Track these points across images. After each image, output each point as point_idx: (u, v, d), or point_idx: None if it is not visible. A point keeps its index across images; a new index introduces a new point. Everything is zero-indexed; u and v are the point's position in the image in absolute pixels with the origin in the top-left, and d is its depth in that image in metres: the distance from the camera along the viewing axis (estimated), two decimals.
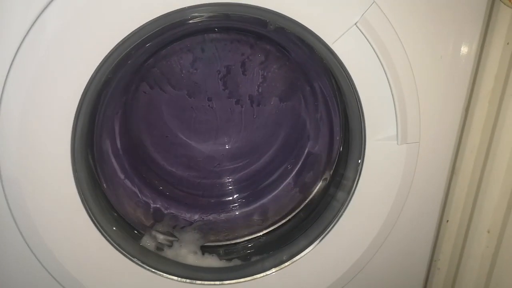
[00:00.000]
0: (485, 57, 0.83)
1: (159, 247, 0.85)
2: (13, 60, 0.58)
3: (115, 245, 0.72)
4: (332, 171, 0.91)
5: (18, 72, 0.59)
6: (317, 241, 0.80)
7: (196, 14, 0.65)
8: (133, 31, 0.60)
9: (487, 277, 0.90)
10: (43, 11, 0.57)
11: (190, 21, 0.67)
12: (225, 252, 0.91)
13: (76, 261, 0.70)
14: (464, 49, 0.75)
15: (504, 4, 0.75)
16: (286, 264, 0.81)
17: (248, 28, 0.84)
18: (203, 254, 0.87)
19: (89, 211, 0.69)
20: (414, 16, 0.69)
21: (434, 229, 0.89)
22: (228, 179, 1.02)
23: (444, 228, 0.97)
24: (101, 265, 0.72)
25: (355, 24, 0.65)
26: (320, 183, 0.93)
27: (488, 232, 0.89)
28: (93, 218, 0.70)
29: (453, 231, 0.96)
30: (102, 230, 0.71)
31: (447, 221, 0.96)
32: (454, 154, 0.88)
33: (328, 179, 0.92)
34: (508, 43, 0.80)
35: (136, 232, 0.87)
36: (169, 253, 0.84)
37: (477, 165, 0.89)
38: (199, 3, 0.60)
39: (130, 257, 0.74)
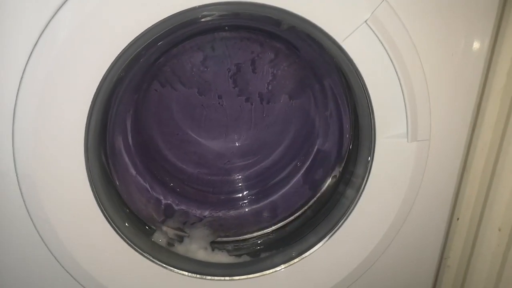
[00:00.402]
0: (497, 54, 0.82)
1: (170, 242, 0.86)
2: (28, 60, 0.59)
3: (127, 240, 0.73)
4: (341, 168, 0.91)
5: (33, 72, 0.60)
6: (326, 238, 0.81)
7: (207, 12, 0.65)
8: (144, 30, 0.61)
9: (497, 275, 0.89)
10: (56, 12, 0.58)
11: (202, 20, 0.67)
12: (235, 248, 0.92)
13: (88, 255, 0.72)
14: (475, 46, 0.74)
15: None
16: (295, 260, 0.81)
17: (259, 26, 0.84)
18: (212, 250, 0.88)
19: (102, 207, 0.70)
20: (424, 13, 0.69)
21: (444, 227, 0.89)
22: (238, 176, 1.03)
23: (455, 226, 0.96)
24: (113, 259, 0.74)
25: (365, 21, 0.65)
26: (330, 180, 0.93)
27: (499, 230, 0.88)
28: (106, 214, 0.71)
29: (463, 229, 0.96)
30: (114, 226, 0.72)
31: (458, 219, 0.96)
32: (465, 151, 0.87)
33: (337, 176, 0.92)
34: None
35: (147, 228, 0.88)
36: (179, 248, 0.85)
37: (488, 162, 0.89)
38: (210, 2, 0.61)
39: (142, 252, 0.74)
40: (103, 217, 0.71)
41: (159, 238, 0.85)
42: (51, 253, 0.70)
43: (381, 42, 0.67)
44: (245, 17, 0.73)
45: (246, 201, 1.01)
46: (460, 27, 0.72)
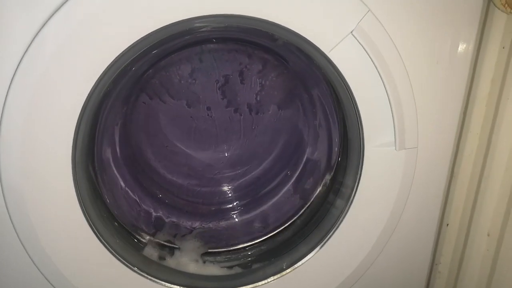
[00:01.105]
0: (481, 61, 0.84)
1: (161, 256, 0.85)
2: (15, 71, 0.59)
3: (117, 255, 0.72)
4: (331, 177, 0.92)
5: (20, 83, 0.59)
6: (318, 248, 0.80)
7: (196, 25, 0.66)
8: (132, 44, 0.61)
9: (487, 280, 0.90)
10: (44, 24, 0.58)
11: (187, 36, 0.68)
12: (226, 259, 0.91)
13: (76, 270, 0.70)
14: (460, 54, 0.75)
15: (499, 8, 0.76)
16: (287, 271, 0.81)
17: (256, 41, 0.84)
18: (204, 262, 0.87)
19: (90, 221, 0.70)
20: (409, 23, 0.70)
21: (434, 233, 0.89)
22: (228, 186, 1.02)
23: (444, 232, 0.97)
24: (102, 274, 0.73)
25: (351, 32, 0.66)
26: (320, 188, 0.94)
27: (488, 235, 0.89)
28: (94, 228, 0.70)
29: (453, 234, 0.97)
30: (103, 240, 0.71)
31: (447, 224, 0.97)
32: (452, 158, 0.88)
33: (327, 185, 0.92)
34: (503, 47, 0.81)
35: (137, 242, 0.87)
36: (170, 262, 0.84)
37: (475, 168, 0.90)
38: (196, 16, 0.61)
39: (132, 267, 0.74)
40: (91, 231, 0.70)
41: (150, 252, 0.84)
42: (38, 268, 0.69)
43: (367, 52, 0.67)
44: (239, 30, 0.73)
45: (236, 212, 1.01)
46: (444, 35, 0.73)
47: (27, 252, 0.68)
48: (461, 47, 0.75)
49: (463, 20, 0.73)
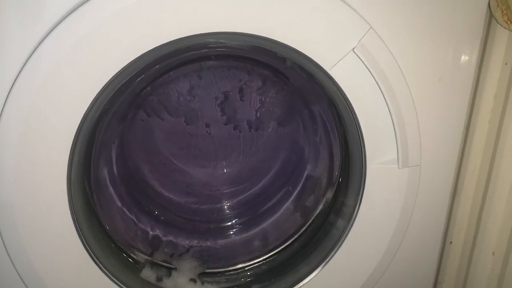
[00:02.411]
0: (483, 78, 0.83)
1: (158, 277, 0.83)
2: (11, 88, 0.58)
3: (112, 277, 0.70)
4: (332, 194, 0.90)
5: (15, 101, 0.58)
6: (319, 268, 0.79)
7: (192, 43, 0.65)
8: (129, 63, 0.59)
9: None
10: (42, 40, 0.57)
11: (185, 54, 0.67)
12: (225, 280, 0.89)
13: None
14: (462, 70, 0.74)
15: (501, 25, 0.75)
16: None
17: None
18: (202, 283, 0.85)
19: (85, 242, 0.68)
20: (411, 40, 0.69)
21: (438, 251, 0.88)
22: (227, 203, 1.01)
23: (448, 250, 0.95)
24: None
25: (353, 49, 0.65)
26: (321, 207, 0.92)
27: (493, 254, 0.87)
28: (89, 249, 0.68)
29: (457, 253, 0.95)
30: (98, 262, 0.69)
31: (451, 242, 0.95)
32: (455, 175, 0.87)
33: (328, 203, 0.91)
34: (506, 63, 0.80)
35: (134, 263, 0.85)
36: (168, 283, 0.82)
37: (479, 185, 0.88)
38: (193, 34, 0.60)
39: None
40: (86, 252, 0.68)
41: (148, 274, 0.82)
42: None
43: (369, 70, 0.67)
44: (240, 48, 0.72)
45: (235, 229, 0.99)
46: (446, 52, 0.72)
47: (17, 271, 0.65)
48: (464, 63, 0.74)
49: (466, 36, 0.73)
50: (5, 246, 0.64)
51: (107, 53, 0.59)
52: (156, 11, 0.58)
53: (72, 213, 0.65)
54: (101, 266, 0.69)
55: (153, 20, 0.58)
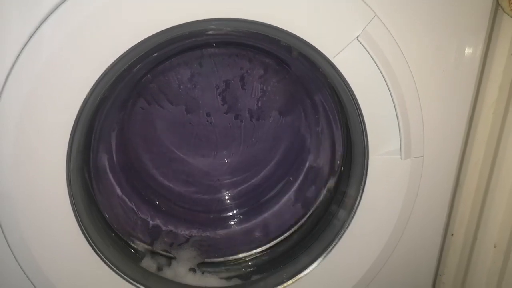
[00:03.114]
0: (489, 68, 0.82)
1: (159, 267, 0.83)
2: (8, 75, 0.57)
3: (113, 267, 0.70)
4: (334, 185, 0.90)
5: (13, 88, 0.57)
6: (320, 259, 0.79)
7: (195, 29, 0.64)
8: (130, 48, 0.58)
9: None
10: (39, 26, 0.56)
11: (186, 40, 0.66)
12: (225, 270, 0.89)
13: (70, 284, 0.68)
14: (466, 61, 0.74)
15: (507, 14, 0.74)
16: (288, 283, 0.79)
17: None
18: (202, 273, 0.85)
19: (85, 230, 0.67)
20: (416, 29, 0.68)
21: (439, 243, 0.88)
22: (228, 193, 1.00)
23: (449, 242, 0.95)
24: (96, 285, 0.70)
25: (357, 37, 0.64)
26: (322, 197, 0.91)
27: (495, 246, 0.87)
28: (89, 238, 0.68)
29: (458, 245, 0.94)
30: (98, 251, 0.69)
31: (452, 234, 0.94)
32: (458, 167, 0.86)
33: (330, 193, 0.90)
34: None
35: (135, 252, 0.85)
36: (168, 273, 0.82)
37: (482, 177, 0.88)
38: (196, 19, 0.59)
39: (130, 280, 0.71)
40: (85, 241, 0.68)
41: (149, 264, 0.82)
42: (30, 280, 0.66)
43: (373, 58, 0.66)
44: (242, 35, 0.71)
45: (236, 220, 0.99)
46: (451, 41, 0.71)
47: (19, 265, 0.65)
48: (468, 53, 0.73)
49: (471, 25, 0.72)
50: (4, 235, 0.63)
51: (108, 39, 0.58)
52: None
53: (71, 201, 0.65)
54: (100, 255, 0.69)
55: (153, 5, 0.57)
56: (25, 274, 0.66)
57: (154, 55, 0.71)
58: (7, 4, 0.55)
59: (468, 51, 0.73)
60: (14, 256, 0.65)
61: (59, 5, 0.55)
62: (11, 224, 0.63)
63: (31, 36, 0.56)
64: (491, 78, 0.83)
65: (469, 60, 0.74)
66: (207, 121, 0.93)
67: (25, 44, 0.56)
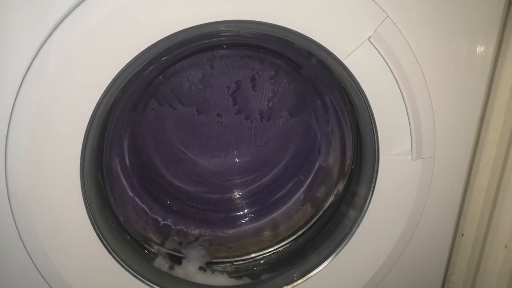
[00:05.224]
0: (500, 69, 0.82)
1: (170, 266, 0.83)
2: (23, 79, 0.57)
3: (125, 266, 0.71)
4: (344, 185, 0.90)
5: (28, 91, 0.58)
6: (330, 259, 0.79)
7: (205, 31, 0.64)
8: (141, 52, 0.59)
9: None
10: (54, 30, 0.56)
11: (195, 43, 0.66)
12: (235, 269, 0.89)
13: (84, 282, 0.69)
14: (479, 61, 0.73)
15: None
16: (298, 282, 0.79)
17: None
18: (213, 272, 0.85)
19: (98, 231, 0.68)
20: (428, 29, 0.68)
21: (449, 243, 0.88)
22: (238, 193, 1.01)
23: (459, 242, 0.95)
24: (111, 287, 0.71)
25: (368, 38, 0.64)
26: (332, 198, 0.92)
27: (506, 247, 0.86)
28: (102, 238, 0.69)
29: (468, 245, 0.94)
30: (111, 251, 0.70)
31: (462, 235, 0.94)
32: (469, 167, 0.86)
33: (340, 194, 0.90)
34: None
35: (147, 252, 0.85)
36: (179, 271, 0.83)
37: (493, 178, 0.87)
38: (207, 22, 0.59)
39: (142, 279, 0.72)
40: (100, 243, 0.68)
41: (161, 263, 0.82)
42: (44, 279, 0.67)
43: (384, 59, 0.66)
44: (255, 37, 0.71)
45: (246, 219, 0.99)
46: (463, 42, 0.71)
47: (35, 266, 0.66)
48: (480, 54, 0.73)
49: (483, 26, 0.72)
50: (21, 238, 0.64)
51: (120, 43, 0.58)
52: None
53: (85, 204, 0.66)
54: (115, 256, 0.70)
55: (164, 9, 0.57)
56: (42, 275, 0.67)
57: (165, 57, 0.72)
58: (20, 11, 0.56)
59: (479, 51, 0.72)
60: (31, 258, 0.65)
61: (72, 10, 0.56)
62: (27, 227, 0.63)
63: (44, 42, 0.56)
64: (502, 79, 0.82)
65: (481, 60, 0.73)
66: (218, 121, 0.93)
67: (39, 50, 0.57)
